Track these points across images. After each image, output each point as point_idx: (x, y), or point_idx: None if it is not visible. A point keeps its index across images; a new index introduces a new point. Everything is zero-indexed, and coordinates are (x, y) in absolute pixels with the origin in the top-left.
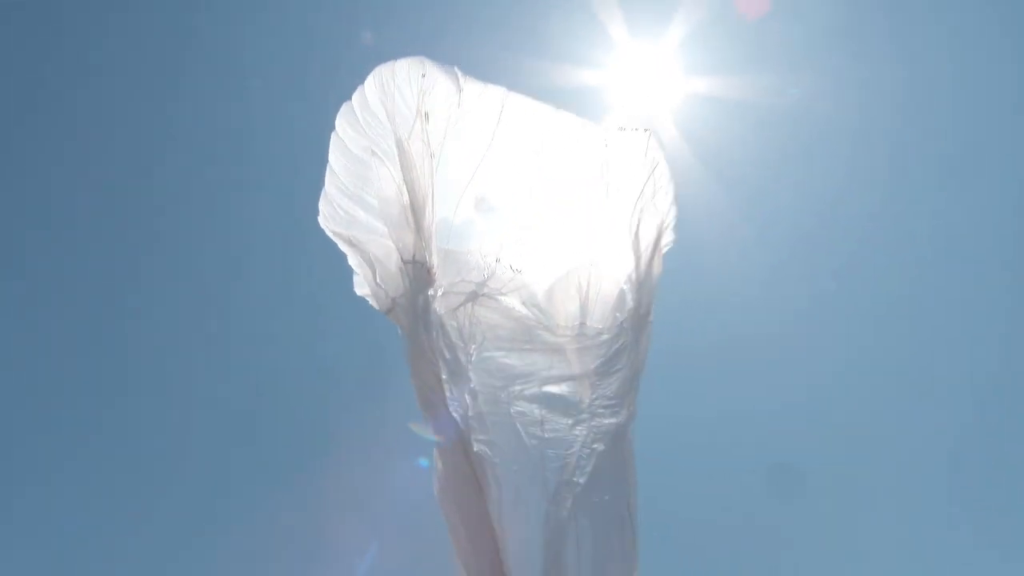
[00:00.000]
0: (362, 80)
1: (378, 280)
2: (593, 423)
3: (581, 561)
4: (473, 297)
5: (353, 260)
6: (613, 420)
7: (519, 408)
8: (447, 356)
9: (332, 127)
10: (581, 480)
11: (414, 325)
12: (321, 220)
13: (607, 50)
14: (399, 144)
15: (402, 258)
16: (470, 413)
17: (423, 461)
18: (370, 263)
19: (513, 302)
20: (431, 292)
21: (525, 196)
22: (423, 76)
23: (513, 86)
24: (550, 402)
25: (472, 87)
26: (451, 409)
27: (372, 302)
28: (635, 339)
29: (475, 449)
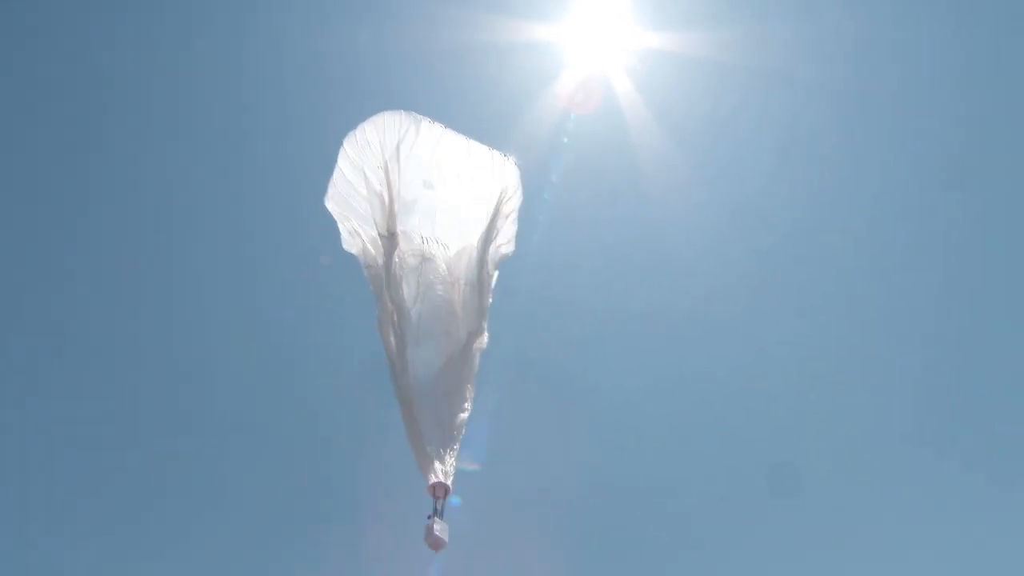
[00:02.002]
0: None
1: (362, 246)
2: (470, 327)
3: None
4: (423, 260)
5: (345, 231)
6: (479, 321)
7: (442, 320)
8: (405, 296)
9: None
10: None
11: (387, 277)
12: (327, 201)
13: (563, 5)
14: (384, 161)
15: (379, 232)
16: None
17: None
18: (358, 234)
19: (440, 263)
20: (397, 256)
21: (447, 194)
22: (400, 123)
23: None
24: (454, 317)
25: (424, 126)
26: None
27: (358, 257)
28: (478, 275)
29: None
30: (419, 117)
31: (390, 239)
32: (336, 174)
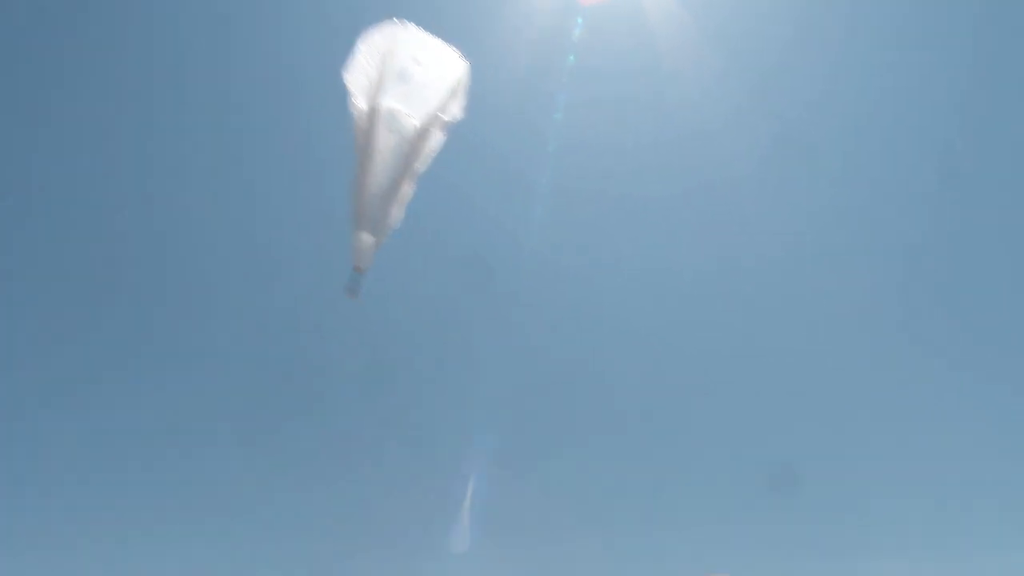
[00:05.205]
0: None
1: (358, 112)
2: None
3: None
4: (392, 128)
5: (352, 98)
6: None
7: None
8: (378, 147)
9: None
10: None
11: (369, 131)
12: (344, 75)
13: None
14: (381, 54)
15: (369, 105)
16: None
17: None
18: (358, 104)
19: (405, 129)
20: (378, 122)
21: (419, 76)
22: (394, 29)
23: None
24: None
25: (410, 30)
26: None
27: (354, 118)
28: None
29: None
30: (408, 24)
31: (373, 113)
32: (353, 61)
